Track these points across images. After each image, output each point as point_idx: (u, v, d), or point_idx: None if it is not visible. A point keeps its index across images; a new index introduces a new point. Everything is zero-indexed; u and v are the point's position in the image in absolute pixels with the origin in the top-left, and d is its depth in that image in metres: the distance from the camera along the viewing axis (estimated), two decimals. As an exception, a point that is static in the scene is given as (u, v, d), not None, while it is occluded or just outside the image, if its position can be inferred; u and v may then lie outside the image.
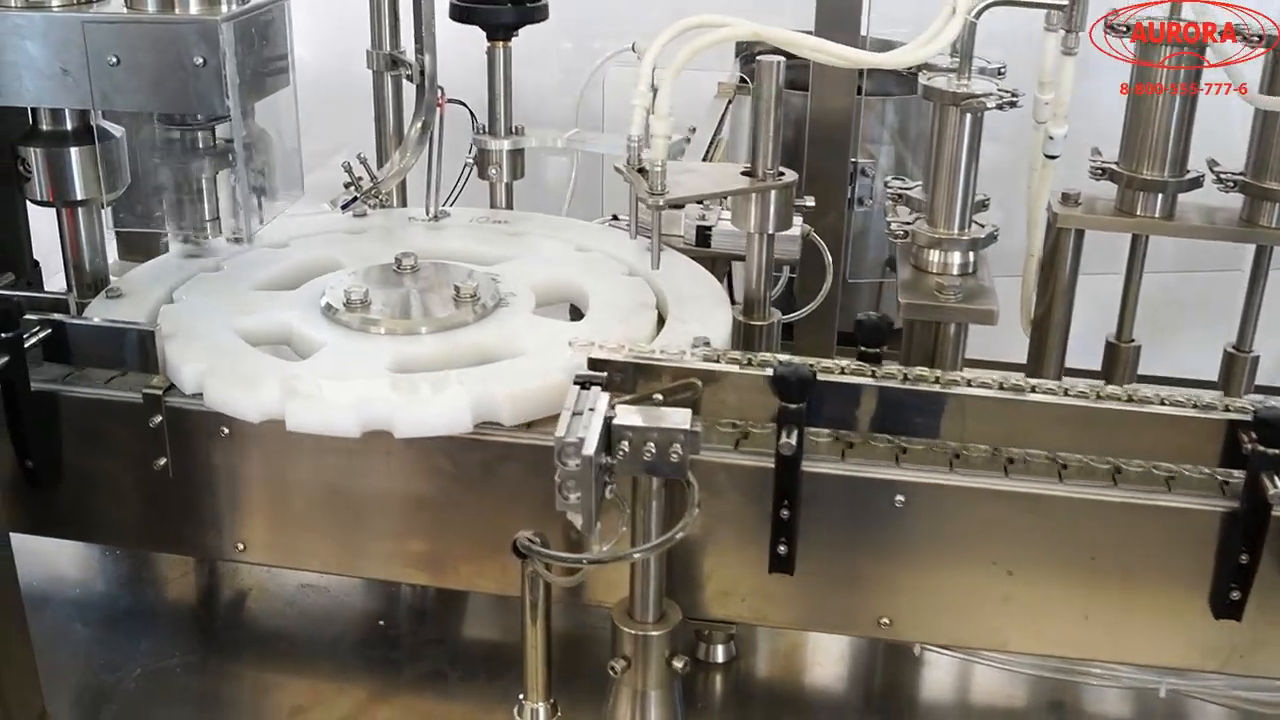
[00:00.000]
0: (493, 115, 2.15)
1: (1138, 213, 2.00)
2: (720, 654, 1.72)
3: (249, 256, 1.93)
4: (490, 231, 2.08)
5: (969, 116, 1.74)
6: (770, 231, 1.80)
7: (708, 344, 1.66)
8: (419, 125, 1.99)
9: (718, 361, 1.56)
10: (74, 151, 1.82)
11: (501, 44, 2.10)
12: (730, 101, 2.61)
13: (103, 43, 1.67)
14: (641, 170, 1.80)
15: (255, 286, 1.86)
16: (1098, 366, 2.27)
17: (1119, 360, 2.14)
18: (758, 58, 1.75)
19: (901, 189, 1.96)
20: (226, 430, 1.62)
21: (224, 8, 1.71)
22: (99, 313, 1.77)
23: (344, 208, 2.00)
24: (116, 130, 1.85)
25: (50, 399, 1.66)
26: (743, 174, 1.81)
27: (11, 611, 1.48)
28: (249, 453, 1.63)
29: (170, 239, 1.94)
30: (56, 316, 1.67)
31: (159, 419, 1.64)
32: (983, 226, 1.82)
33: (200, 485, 1.66)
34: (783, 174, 1.79)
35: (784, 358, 1.54)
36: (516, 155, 2.16)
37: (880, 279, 2.66)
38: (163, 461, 1.65)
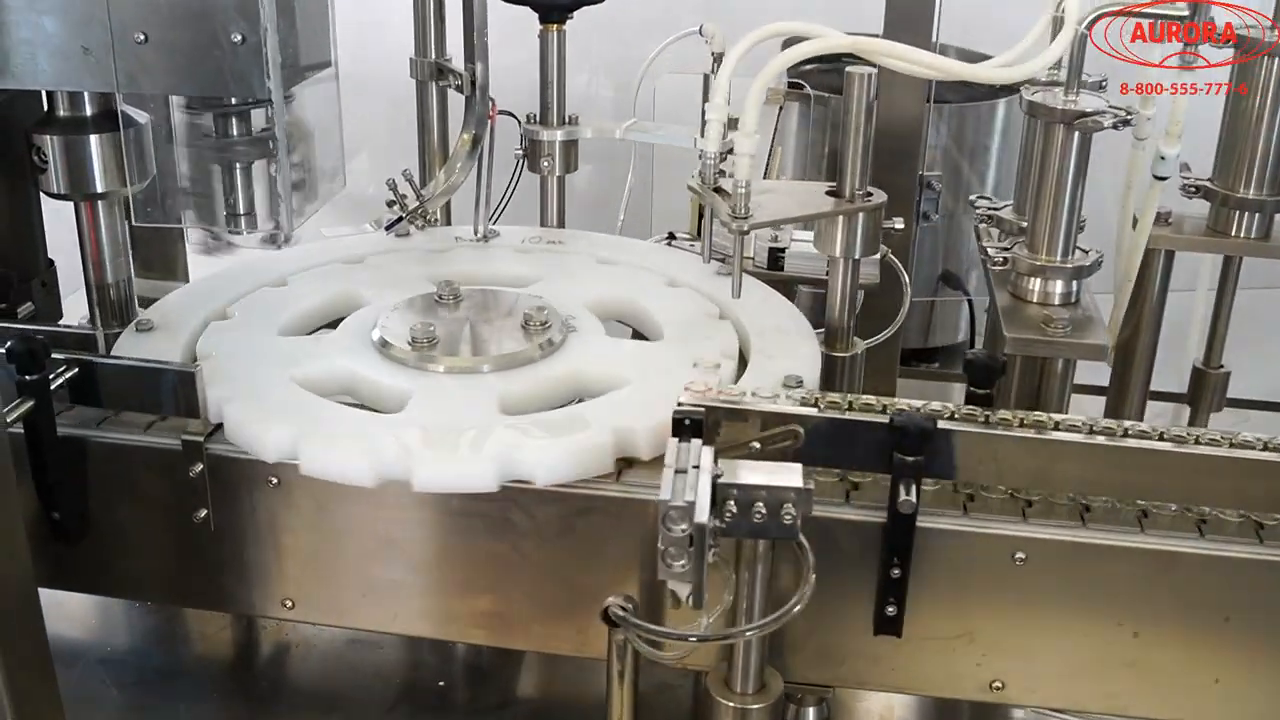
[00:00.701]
0: (545, 104, 2.00)
1: (1233, 233, 1.87)
2: (812, 717, 1.59)
3: (269, 291, 1.79)
4: (539, 254, 1.95)
5: (1077, 136, 1.60)
6: (857, 257, 1.67)
7: (800, 383, 1.53)
8: (468, 139, 1.85)
9: (817, 406, 1.43)
10: (94, 140, 1.67)
11: (556, 27, 1.96)
12: (781, 109, 2.47)
13: (129, 18, 1.53)
14: (719, 190, 1.66)
15: (290, 323, 1.72)
16: (1176, 388, 2.15)
17: (1207, 387, 2.03)
18: (846, 69, 1.61)
19: (991, 209, 1.83)
20: (276, 480, 1.47)
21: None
22: (130, 349, 1.62)
23: (388, 228, 1.85)
24: (141, 116, 1.70)
25: (78, 445, 1.52)
26: (828, 193, 1.68)
27: (41, 672, 1.33)
28: (301, 504, 1.49)
29: (193, 236, 1.79)
30: (84, 356, 1.52)
31: (199, 467, 1.49)
32: (1086, 252, 1.68)
33: (245, 539, 1.52)
34: (871, 194, 1.66)
35: (901, 404, 1.41)
36: (570, 147, 2.01)
37: (933, 297, 2.53)
38: (203, 513, 1.51)
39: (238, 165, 1.66)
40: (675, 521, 1.21)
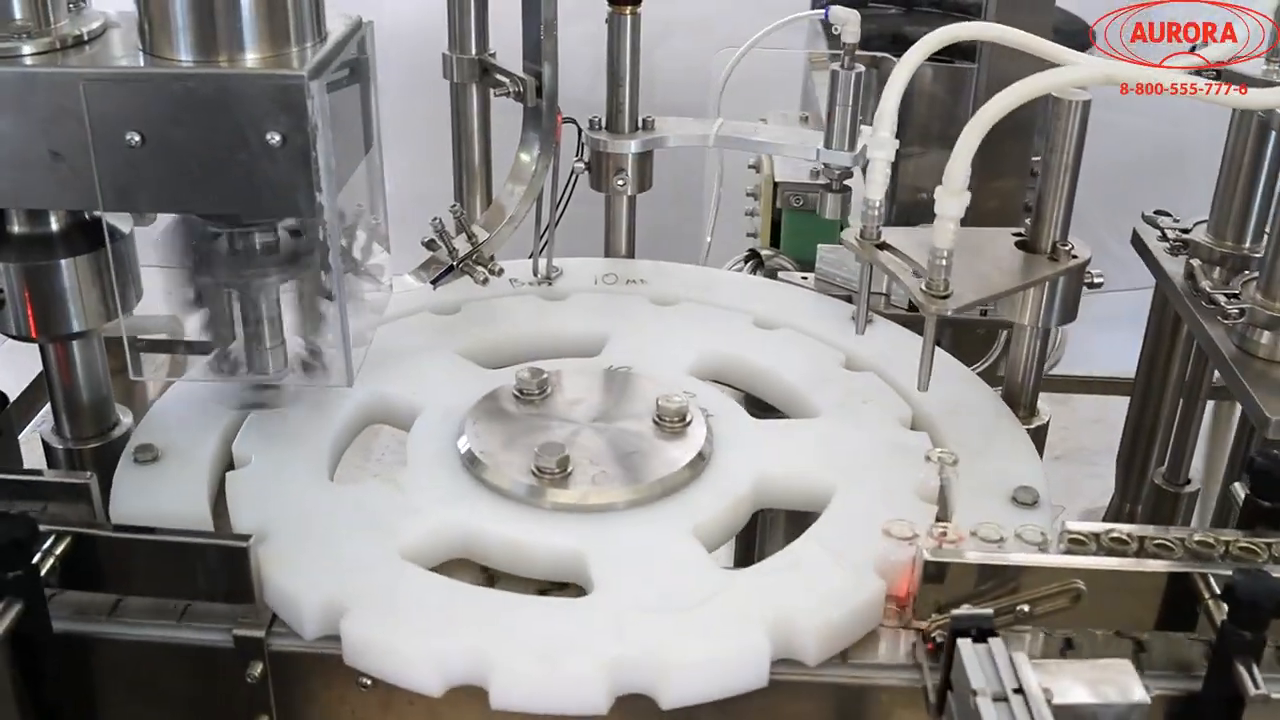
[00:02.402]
0: (614, 106, 1.57)
1: None
2: None
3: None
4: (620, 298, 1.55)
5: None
6: (1053, 326, 1.34)
7: (1036, 499, 1.20)
8: (533, 159, 1.43)
9: (1089, 546, 1.10)
10: (66, 266, 1.22)
11: (630, 10, 1.52)
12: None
13: (117, 112, 1.09)
14: (884, 246, 1.30)
15: (337, 440, 1.31)
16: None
17: None
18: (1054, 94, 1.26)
19: (1175, 227, 1.49)
20: (369, 682, 1.08)
21: (296, 53, 1.12)
22: (133, 493, 1.20)
23: (435, 282, 1.43)
24: (123, 225, 1.26)
25: (81, 645, 1.10)
26: (1018, 244, 1.34)
27: None
28: (401, 711, 1.10)
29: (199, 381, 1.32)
30: (82, 529, 1.10)
31: (260, 669, 1.09)
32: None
33: (322, 755, 1.13)
34: (1072, 250, 1.33)
35: (1200, 537, 1.09)
36: (645, 159, 1.59)
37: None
38: (264, 723, 1.12)
39: (263, 293, 1.22)
40: (1012, 782, 0.87)
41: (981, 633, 0.97)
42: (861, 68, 1.52)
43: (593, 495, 1.18)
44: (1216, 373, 1.49)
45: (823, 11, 1.53)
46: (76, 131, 1.09)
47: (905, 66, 1.27)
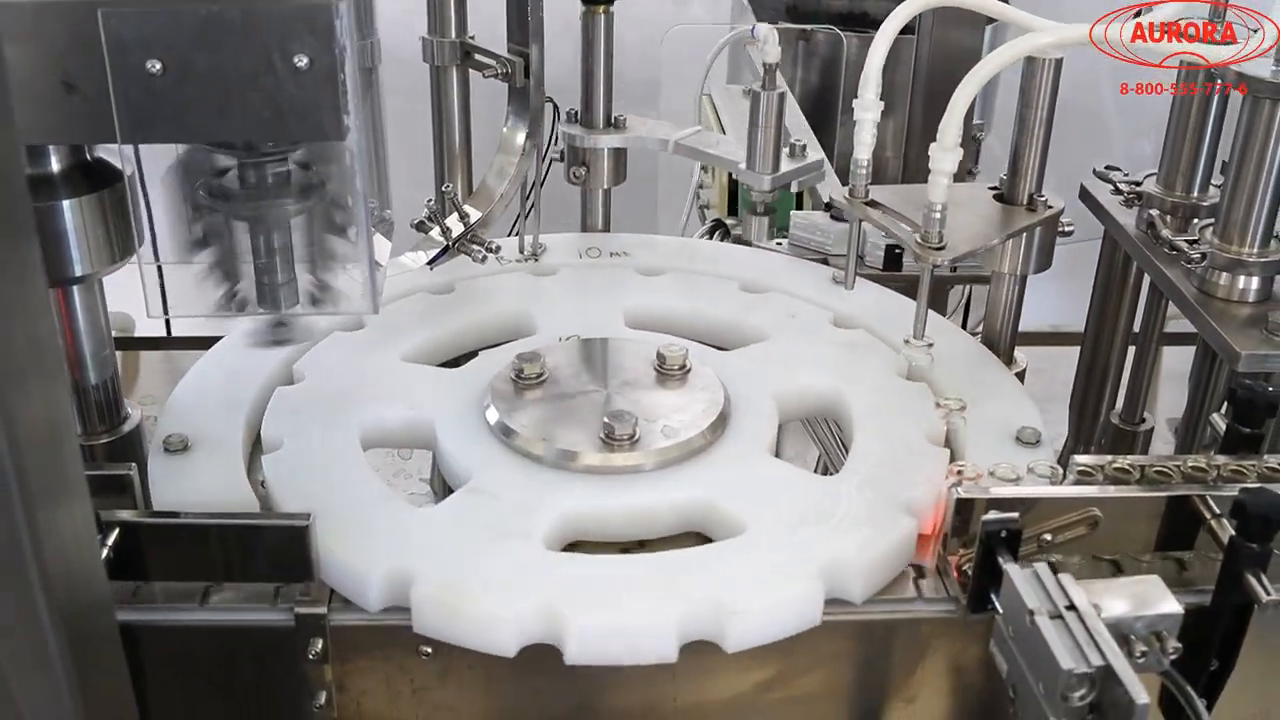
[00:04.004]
0: (588, 102, 1.62)
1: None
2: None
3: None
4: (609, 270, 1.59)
5: (1292, 114, 1.35)
6: (1031, 274, 1.42)
7: (1039, 438, 1.29)
8: (521, 140, 1.47)
9: (1097, 477, 1.18)
10: (68, 206, 1.20)
11: (603, 9, 1.57)
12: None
13: (137, 41, 1.05)
14: (873, 204, 1.37)
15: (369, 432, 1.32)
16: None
17: None
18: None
19: (1127, 181, 1.58)
20: (430, 650, 1.11)
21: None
22: (171, 484, 1.21)
23: (430, 263, 1.46)
24: (124, 163, 1.20)
25: (132, 638, 1.11)
26: (995, 198, 1.42)
27: None
28: (461, 677, 1.13)
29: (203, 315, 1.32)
30: (133, 518, 1.11)
31: (320, 644, 1.12)
32: (1280, 243, 1.45)
33: (383, 724, 1.16)
34: (1048, 201, 1.41)
35: (1192, 462, 1.18)
36: (619, 155, 1.64)
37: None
38: (323, 698, 1.14)
39: (280, 223, 1.21)
40: (1074, 689, 0.95)
41: (1011, 535, 1.05)
42: (783, 89, 1.57)
43: (674, 450, 1.23)
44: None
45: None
46: (91, 62, 1.05)
47: (887, 32, 1.34)
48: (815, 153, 1.63)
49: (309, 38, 1.06)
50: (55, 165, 1.22)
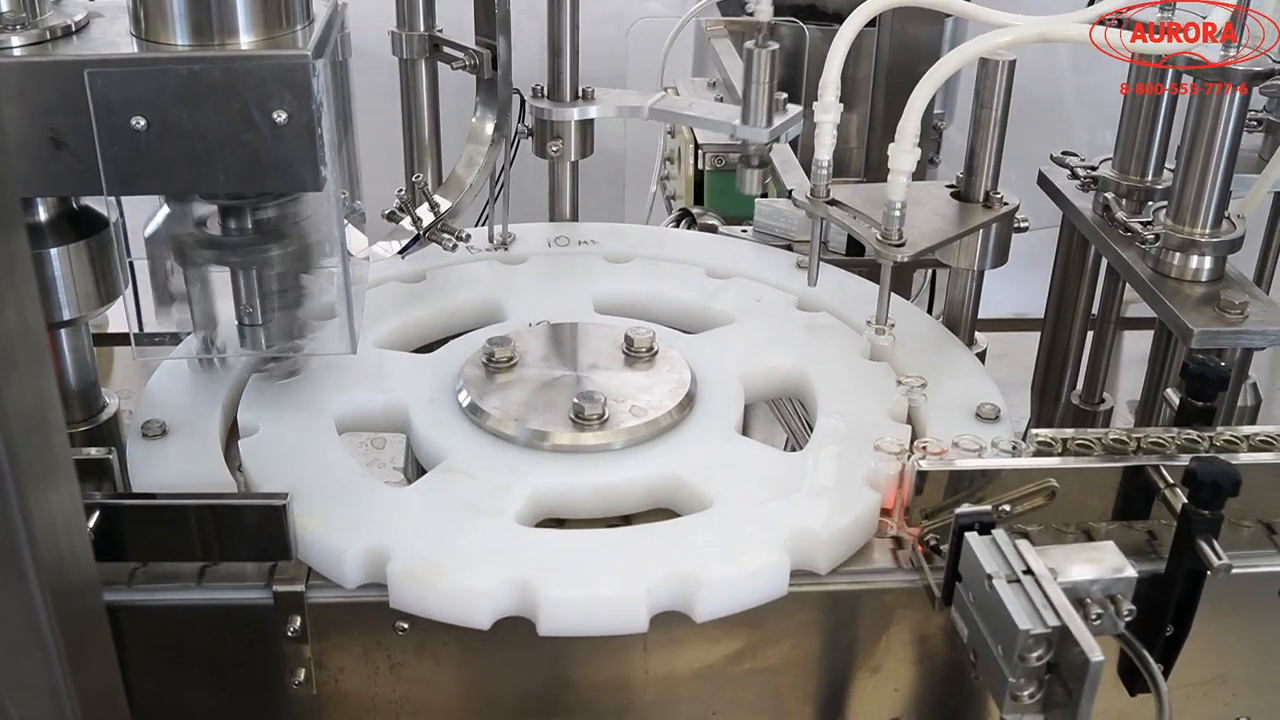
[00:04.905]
0: (555, 76, 1.64)
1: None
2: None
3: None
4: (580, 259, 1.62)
5: (1238, 98, 1.39)
6: (988, 269, 1.46)
7: (998, 413, 1.32)
8: (490, 130, 1.49)
9: (1056, 449, 1.22)
10: (56, 254, 1.24)
11: (570, -17, 1.59)
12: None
13: (122, 99, 1.10)
14: (834, 203, 1.40)
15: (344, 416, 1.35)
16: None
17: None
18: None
19: (1084, 165, 1.62)
20: (406, 626, 1.14)
21: (294, 34, 1.17)
22: (153, 468, 1.23)
23: (402, 252, 1.48)
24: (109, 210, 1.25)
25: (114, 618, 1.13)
26: (953, 195, 1.46)
27: None
28: (437, 651, 1.16)
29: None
30: (116, 499, 1.13)
31: (299, 622, 1.14)
32: (1234, 224, 1.48)
33: (359, 705, 1.18)
34: (1003, 199, 1.45)
35: (1153, 436, 1.21)
36: (586, 127, 1.67)
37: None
38: (302, 675, 1.16)
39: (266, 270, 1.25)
40: (1032, 651, 0.98)
41: (984, 526, 1.08)
42: (776, 45, 1.60)
43: (643, 429, 1.26)
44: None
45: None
46: (79, 119, 1.10)
47: (846, 33, 1.37)
48: (794, 107, 1.65)
49: (287, 94, 1.11)
50: (43, 214, 1.26)
